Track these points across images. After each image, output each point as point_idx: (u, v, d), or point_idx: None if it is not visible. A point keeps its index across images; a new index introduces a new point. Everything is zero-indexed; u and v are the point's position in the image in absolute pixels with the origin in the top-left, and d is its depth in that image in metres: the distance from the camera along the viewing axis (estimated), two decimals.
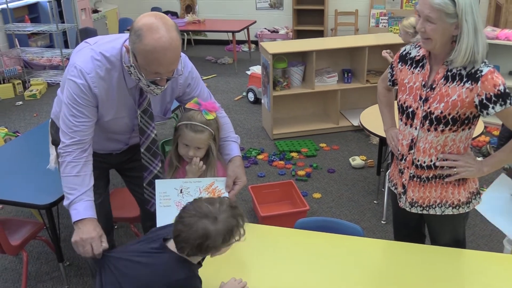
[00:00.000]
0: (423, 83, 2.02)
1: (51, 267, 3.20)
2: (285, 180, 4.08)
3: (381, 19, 7.99)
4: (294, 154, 4.68)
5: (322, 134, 5.15)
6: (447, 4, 1.82)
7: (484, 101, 1.89)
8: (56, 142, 2.36)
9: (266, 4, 8.77)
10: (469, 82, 1.90)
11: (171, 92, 2.22)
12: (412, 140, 2.09)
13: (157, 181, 2.16)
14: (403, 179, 2.18)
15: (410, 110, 2.08)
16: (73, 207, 1.96)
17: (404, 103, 2.10)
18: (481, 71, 1.88)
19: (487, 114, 1.92)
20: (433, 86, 1.99)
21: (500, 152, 2.07)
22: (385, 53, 4.40)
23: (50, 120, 2.44)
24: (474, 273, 1.97)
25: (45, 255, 3.31)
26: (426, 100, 2.01)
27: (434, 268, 1.98)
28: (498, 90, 1.86)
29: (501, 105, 1.87)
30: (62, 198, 2.62)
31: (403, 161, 2.16)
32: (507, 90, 1.87)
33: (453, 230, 2.24)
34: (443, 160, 2.05)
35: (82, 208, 1.96)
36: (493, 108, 1.88)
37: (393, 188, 2.31)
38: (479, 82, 1.88)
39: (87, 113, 2.02)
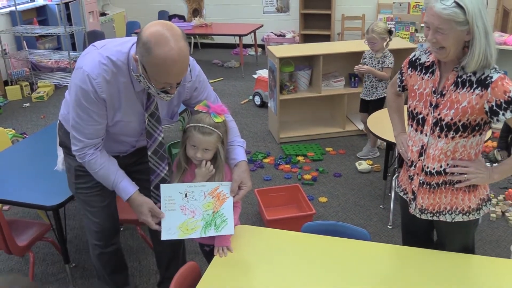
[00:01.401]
0: (433, 89, 2.01)
1: (57, 269, 3.20)
2: (291, 184, 4.07)
3: (388, 24, 7.96)
4: (300, 158, 4.68)
5: (329, 138, 5.15)
6: (457, 13, 1.80)
7: (494, 107, 1.87)
8: (63, 144, 2.37)
9: (273, 8, 8.79)
10: (479, 88, 1.88)
11: (178, 95, 2.22)
12: (422, 146, 2.08)
13: (162, 186, 2.17)
14: (413, 186, 2.16)
15: (420, 116, 2.06)
16: (118, 188, 2.20)
17: (414, 109, 2.09)
18: (491, 77, 1.86)
19: (497, 120, 1.90)
20: (443, 93, 1.97)
21: (511, 159, 2.05)
22: (359, 68, 4.38)
23: (58, 122, 2.45)
24: (482, 279, 1.96)
25: (51, 257, 3.32)
26: (437, 106, 1.99)
27: (441, 273, 1.97)
28: (509, 96, 1.84)
29: (511, 111, 1.86)
30: (69, 199, 2.65)
31: (413, 167, 2.14)
32: None
33: (462, 237, 2.22)
34: (454, 166, 2.03)
35: (124, 186, 2.20)
36: (503, 114, 1.86)
37: (402, 194, 2.30)
38: (489, 88, 1.86)
39: (96, 117, 2.04)
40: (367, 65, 4.40)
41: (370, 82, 4.44)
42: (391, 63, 4.32)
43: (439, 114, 1.98)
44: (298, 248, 2.18)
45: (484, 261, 2.11)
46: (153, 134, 2.20)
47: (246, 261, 2.11)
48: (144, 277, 3.11)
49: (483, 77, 1.88)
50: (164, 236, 2.11)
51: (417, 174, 2.12)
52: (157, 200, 2.30)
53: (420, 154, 2.09)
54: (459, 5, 1.79)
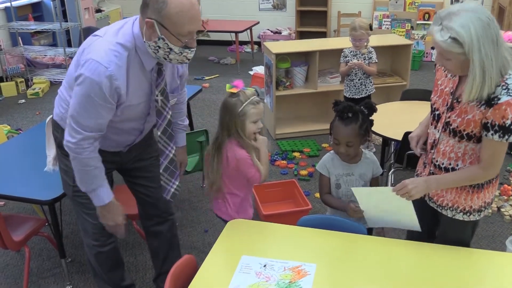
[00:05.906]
0: (451, 90, 2.04)
1: (53, 264, 3.20)
2: (287, 179, 4.07)
3: (384, 21, 7.99)
4: (296, 154, 4.68)
5: (325, 134, 5.13)
6: (454, 47, 1.81)
7: (488, 124, 1.90)
8: (62, 144, 2.30)
9: (269, 5, 8.78)
10: (484, 106, 1.90)
11: (175, 69, 2.30)
12: (434, 140, 2.14)
13: (243, 256, 2.07)
14: (424, 173, 2.24)
15: (437, 112, 2.11)
16: (98, 191, 2.16)
17: (434, 104, 2.14)
18: (499, 99, 1.86)
19: (486, 136, 1.92)
20: (459, 100, 1.99)
21: (450, 174, 2.09)
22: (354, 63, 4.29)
23: (51, 121, 2.38)
24: (478, 271, 1.97)
25: (47, 252, 3.31)
26: (451, 109, 2.03)
27: (438, 266, 1.98)
28: (504, 122, 1.86)
29: (499, 136, 1.88)
30: (64, 194, 2.63)
31: (426, 157, 2.23)
32: None
33: (459, 235, 2.24)
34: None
35: (106, 190, 2.19)
36: (492, 135, 1.89)
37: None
38: (491, 108, 1.87)
39: (104, 113, 2.00)
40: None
41: (358, 80, 4.36)
42: (376, 58, 4.33)
43: (449, 117, 2.03)
44: (294, 242, 2.18)
45: (480, 254, 2.12)
46: (162, 112, 2.20)
47: (242, 254, 2.11)
48: (140, 272, 3.10)
49: (492, 96, 1.87)
50: None
51: (429, 164, 2.20)
52: (166, 183, 2.31)
53: (432, 147, 2.16)
54: (456, 39, 1.79)
